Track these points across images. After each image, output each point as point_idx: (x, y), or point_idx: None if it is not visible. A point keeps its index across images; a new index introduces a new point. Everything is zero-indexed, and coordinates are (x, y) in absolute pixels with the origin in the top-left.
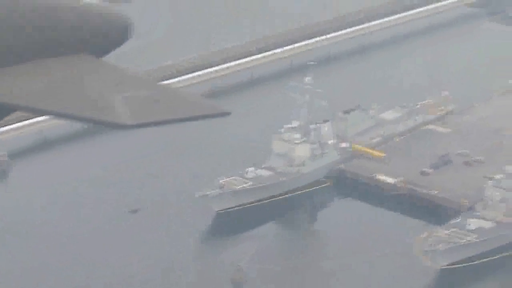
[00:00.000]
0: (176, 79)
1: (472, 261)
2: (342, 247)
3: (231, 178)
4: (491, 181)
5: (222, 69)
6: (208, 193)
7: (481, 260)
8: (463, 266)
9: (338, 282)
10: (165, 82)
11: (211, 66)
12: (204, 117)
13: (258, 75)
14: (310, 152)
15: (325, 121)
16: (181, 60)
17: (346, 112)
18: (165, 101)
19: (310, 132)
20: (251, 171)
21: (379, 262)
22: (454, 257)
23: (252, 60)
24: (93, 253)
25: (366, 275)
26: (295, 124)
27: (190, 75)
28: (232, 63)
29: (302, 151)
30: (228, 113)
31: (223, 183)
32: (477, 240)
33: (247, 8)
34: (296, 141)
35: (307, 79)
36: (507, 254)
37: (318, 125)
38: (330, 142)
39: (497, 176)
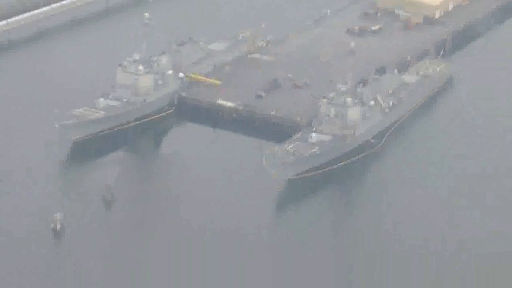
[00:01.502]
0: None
1: (316, 171)
2: (192, 168)
3: (83, 108)
4: (325, 99)
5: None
6: (66, 122)
7: (324, 169)
8: (309, 176)
9: (195, 199)
10: None
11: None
12: None
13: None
14: (154, 82)
15: (163, 53)
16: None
17: (180, 44)
18: None
19: (151, 64)
20: (101, 101)
21: (230, 179)
22: (300, 168)
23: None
24: None
25: (219, 191)
26: (136, 56)
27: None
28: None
29: (146, 81)
30: None
31: (76, 113)
32: (319, 152)
33: None
34: (140, 73)
35: (146, 14)
36: (344, 163)
37: (157, 57)
38: (169, 72)
39: (330, 95)
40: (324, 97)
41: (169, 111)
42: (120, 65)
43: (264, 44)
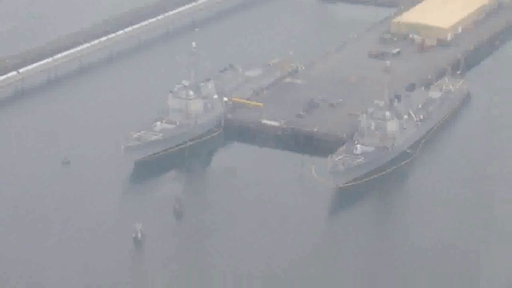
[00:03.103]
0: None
1: (362, 179)
2: (245, 181)
3: (142, 132)
4: (365, 114)
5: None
6: (130, 145)
7: (370, 178)
8: (357, 183)
9: (253, 207)
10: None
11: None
12: None
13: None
14: (203, 106)
15: (208, 79)
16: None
17: (221, 71)
18: None
19: (200, 89)
20: (158, 125)
21: (283, 189)
22: (349, 177)
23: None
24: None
25: (273, 200)
26: (186, 83)
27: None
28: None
29: (196, 105)
30: None
31: (137, 136)
32: (365, 162)
33: None
34: (190, 97)
35: (193, 44)
36: (387, 171)
37: (204, 83)
38: (214, 97)
39: (369, 109)
40: (363, 112)
41: (218, 132)
42: (171, 91)
43: (294, 69)
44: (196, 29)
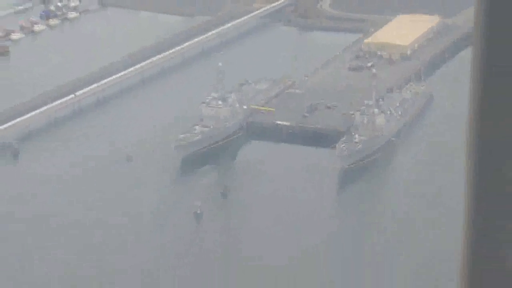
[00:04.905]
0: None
1: (361, 162)
2: (268, 170)
3: (186, 134)
4: (358, 112)
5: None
6: (179, 144)
7: (366, 160)
8: (356, 165)
9: (277, 189)
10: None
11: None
12: None
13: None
14: (230, 113)
15: (231, 91)
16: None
17: (240, 85)
18: None
19: (226, 99)
20: (197, 128)
21: (300, 173)
22: (351, 160)
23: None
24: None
25: (291, 183)
26: (215, 94)
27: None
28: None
29: (225, 112)
30: None
31: (182, 137)
32: (363, 148)
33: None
34: (220, 106)
35: (220, 63)
36: (379, 154)
37: (229, 94)
38: (237, 105)
39: (362, 108)
40: (357, 110)
41: (241, 133)
42: (203, 102)
43: (292, 83)
44: (221, 52)
